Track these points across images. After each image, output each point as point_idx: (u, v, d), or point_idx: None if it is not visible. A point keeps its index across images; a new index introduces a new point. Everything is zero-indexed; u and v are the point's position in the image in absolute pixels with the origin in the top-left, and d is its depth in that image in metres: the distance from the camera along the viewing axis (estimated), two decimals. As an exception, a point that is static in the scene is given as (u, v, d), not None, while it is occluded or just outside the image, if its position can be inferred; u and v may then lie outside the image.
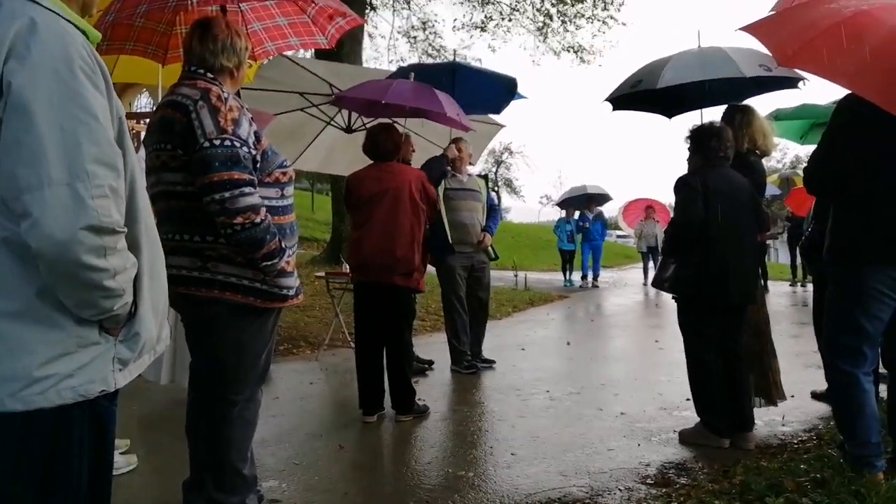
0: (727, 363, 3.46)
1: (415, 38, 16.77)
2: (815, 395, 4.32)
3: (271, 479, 2.96)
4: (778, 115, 5.25)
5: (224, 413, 2.27)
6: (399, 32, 16.95)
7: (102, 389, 1.28)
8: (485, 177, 6.06)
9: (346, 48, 9.81)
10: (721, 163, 3.48)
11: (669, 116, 4.53)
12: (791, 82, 3.91)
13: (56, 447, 1.25)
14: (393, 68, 11.74)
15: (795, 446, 3.45)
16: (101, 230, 1.18)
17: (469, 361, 5.28)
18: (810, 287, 6.46)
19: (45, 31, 1.18)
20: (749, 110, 3.78)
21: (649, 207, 14.68)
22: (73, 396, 1.24)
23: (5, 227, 1.18)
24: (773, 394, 3.71)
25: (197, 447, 2.42)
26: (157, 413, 4.07)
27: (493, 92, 5.35)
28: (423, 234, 4.01)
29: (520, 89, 5.33)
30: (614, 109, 4.54)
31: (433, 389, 4.80)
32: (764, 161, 3.94)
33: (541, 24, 15.80)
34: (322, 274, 6.89)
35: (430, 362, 5.47)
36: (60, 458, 1.26)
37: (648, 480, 2.99)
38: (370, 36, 16.53)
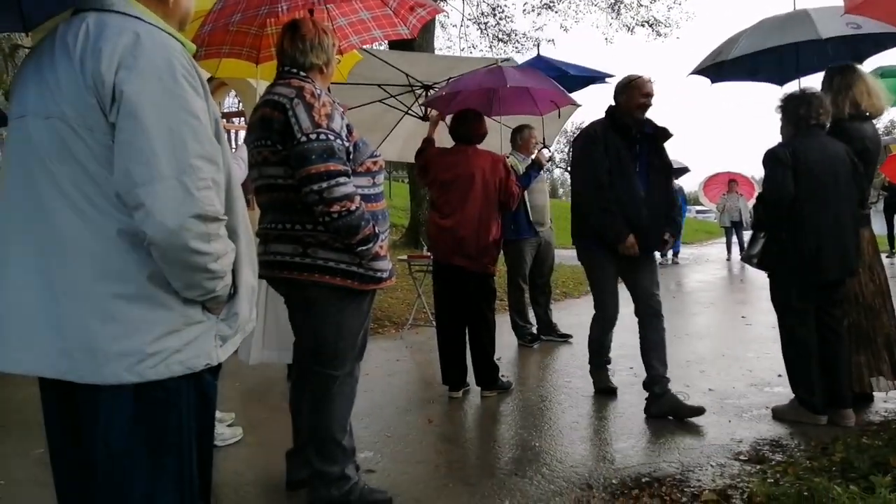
0: (823, 339, 3.35)
1: (486, 23, 16.66)
2: None
3: (366, 450, 3.12)
4: (883, 73, 4.88)
5: (326, 388, 2.43)
6: (469, 20, 16.89)
7: (206, 363, 1.42)
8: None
9: (420, 38, 9.90)
10: (814, 131, 3.33)
11: (781, 83, 4.36)
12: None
13: (166, 415, 1.39)
14: (466, 56, 11.73)
15: (899, 424, 3.31)
16: (206, 218, 1.32)
17: (532, 335, 5.53)
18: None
19: (148, 44, 1.31)
20: (848, 70, 3.52)
21: (732, 181, 14.08)
22: (180, 370, 1.37)
23: (120, 219, 1.32)
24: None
25: (300, 420, 2.60)
26: (257, 389, 4.35)
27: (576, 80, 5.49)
28: (496, 219, 4.02)
29: (595, 68, 5.42)
30: (713, 83, 4.46)
31: (516, 366, 4.89)
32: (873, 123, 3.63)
33: (612, 1, 15.34)
34: (404, 257, 7.08)
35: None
36: (171, 425, 1.40)
37: (742, 457, 2.95)
38: (442, 25, 16.59)
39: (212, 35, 2.94)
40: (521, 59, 8.86)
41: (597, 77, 5.68)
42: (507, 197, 4.05)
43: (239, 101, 8.42)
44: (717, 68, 4.17)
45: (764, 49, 3.84)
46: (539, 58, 5.52)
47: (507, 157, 5.17)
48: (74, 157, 1.32)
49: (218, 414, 3.35)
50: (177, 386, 1.39)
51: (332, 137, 2.21)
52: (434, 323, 4.66)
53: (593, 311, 3.97)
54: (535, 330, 5.60)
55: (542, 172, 5.26)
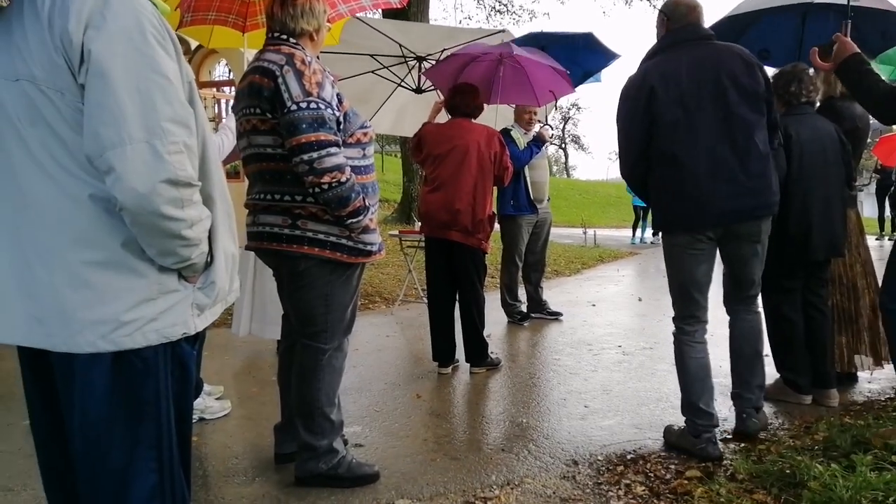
0: (809, 318, 3.37)
1: (483, -7, 16.44)
2: None
3: (354, 424, 3.14)
4: (881, 60, 4.84)
5: (314, 361, 2.42)
6: (465, -10, 16.64)
7: (184, 332, 1.40)
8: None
9: (413, 8, 9.75)
10: (804, 109, 3.31)
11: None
12: None
13: (143, 384, 1.37)
14: (461, 27, 11.58)
15: (883, 404, 3.35)
16: (177, 183, 1.28)
17: (522, 313, 5.53)
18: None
19: (117, 3, 1.27)
20: None
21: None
22: (157, 338, 1.35)
23: (91, 184, 1.29)
24: (880, 352, 3.54)
25: (288, 393, 2.61)
26: (246, 363, 4.35)
27: (580, 64, 5.40)
28: (491, 194, 4.00)
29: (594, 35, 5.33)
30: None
31: (505, 343, 4.91)
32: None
33: (610, -29, 15.16)
34: (395, 233, 7.06)
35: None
36: (148, 394, 1.38)
37: (726, 435, 2.98)
38: (438, -5, 16.31)
39: (198, 1, 2.86)
40: (517, 32, 8.73)
41: (607, 55, 5.54)
42: (501, 171, 4.02)
43: (229, 70, 8.30)
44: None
45: (769, 11, 3.76)
46: (541, 33, 5.43)
47: (511, 130, 5.16)
48: (45, 120, 1.28)
49: (207, 387, 3.36)
50: (154, 355, 1.37)
51: (322, 106, 2.17)
52: (424, 299, 4.66)
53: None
54: (524, 308, 5.61)
55: (542, 148, 5.24)
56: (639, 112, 2.69)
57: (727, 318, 3.03)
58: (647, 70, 2.72)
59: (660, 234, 11.08)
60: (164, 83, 1.29)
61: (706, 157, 2.64)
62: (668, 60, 2.71)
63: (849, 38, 2.61)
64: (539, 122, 5.32)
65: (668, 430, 2.97)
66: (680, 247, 2.76)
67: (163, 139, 1.26)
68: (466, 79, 4.67)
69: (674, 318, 2.88)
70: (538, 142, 5.12)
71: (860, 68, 2.57)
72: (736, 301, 2.94)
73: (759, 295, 2.99)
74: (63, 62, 1.26)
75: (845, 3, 3.04)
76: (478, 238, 3.96)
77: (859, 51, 2.57)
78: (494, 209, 4.24)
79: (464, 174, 3.88)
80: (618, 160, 2.92)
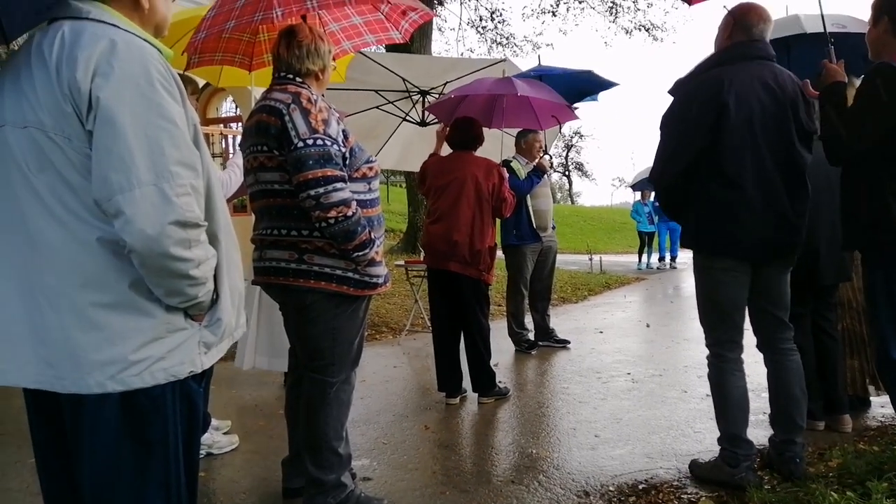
0: (819, 343, 3.34)
1: (484, 27, 16.74)
2: None
3: (363, 457, 3.12)
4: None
5: (322, 395, 2.41)
6: (467, 24, 17.00)
7: (191, 371, 1.41)
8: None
9: (416, 43, 9.94)
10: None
11: None
12: None
13: (152, 423, 1.38)
14: (462, 58, 11.77)
15: (897, 429, 3.31)
16: (185, 224, 1.31)
17: (529, 341, 5.51)
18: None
19: (124, 50, 1.31)
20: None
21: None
22: (165, 377, 1.37)
23: (99, 227, 1.32)
24: None
25: (296, 427, 2.60)
26: (253, 397, 4.34)
27: (579, 90, 5.48)
28: (491, 225, 4.00)
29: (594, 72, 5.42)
30: None
31: (513, 372, 4.88)
32: None
33: (610, 4, 15.46)
34: (401, 263, 7.08)
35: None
36: (157, 433, 1.39)
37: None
38: (440, 29, 16.68)
39: (205, 42, 2.94)
40: (519, 62, 8.86)
41: (604, 85, 5.65)
42: (499, 202, 4.04)
43: (236, 107, 8.44)
44: None
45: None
46: (540, 67, 5.52)
47: (511, 161, 5.21)
48: (53, 165, 1.32)
49: (214, 422, 3.35)
50: (162, 393, 1.38)
51: (328, 143, 2.21)
52: (431, 329, 4.66)
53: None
54: (531, 336, 5.59)
55: (544, 177, 5.28)
56: (704, 125, 2.56)
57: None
58: (721, 82, 2.55)
59: (667, 258, 10.87)
60: (170, 128, 1.32)
61: (764, 186, 2.57)
62: (740, 75, 2.57)
63: (835, 65, 2.61)
64: (541, 148, 5.37)
65: (696, 465, 2.85)
66: (722, 270, 2.66)
67: (171, 182, 1.30)
68: (468, 107, 4.73)
69: (709, 345, 2.77)
70: (538, 172, 5.16)
71: (831, 100, 2.50)
72: (776, 339, 2.76)
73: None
74: (71, 109, 1.29)
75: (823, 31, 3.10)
76: (478, 269, 3.96)
77: (844, 79, 2.56)
78: (497, 240, 4.26)
79: (462, 206, 3.92)
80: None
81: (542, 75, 5.28)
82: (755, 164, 2.56)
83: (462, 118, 4.29)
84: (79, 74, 1.28)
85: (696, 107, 2.59)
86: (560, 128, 5.51)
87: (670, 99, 2.75)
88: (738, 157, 2.56)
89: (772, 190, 2.59)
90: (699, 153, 2.60)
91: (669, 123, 2.70)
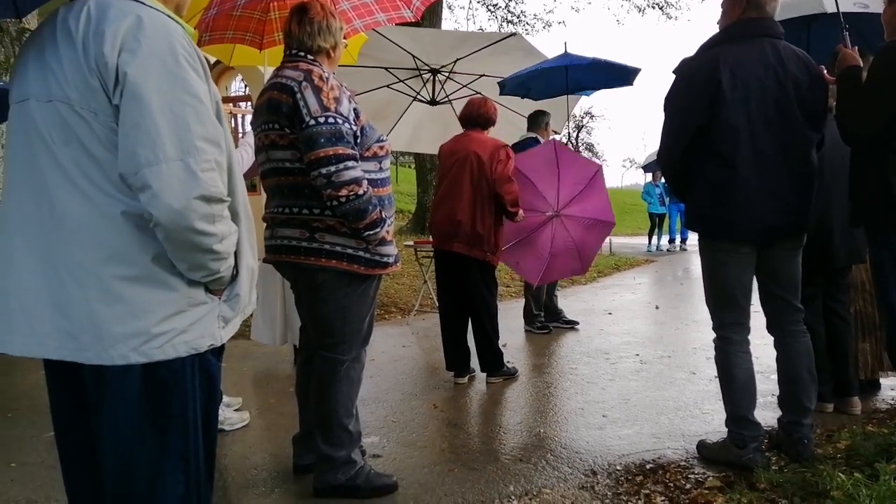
0: (830, 325, 3.33)
1: (495, 5, 16.54)
2: None
3: (372, 435, 3.15)
4: None
5: (332, 372, 2.44)
6: (478, 2, 16.80)
7: (211, 344, 1.43)
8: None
9: (426, 21, 9.84)
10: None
11: None
12: None
13: (172, 395, 1.40)
14: (471, 32, 11.65)
15: (906, 411, 3.31)
16: (210, 199, 1.32)
17: (542, 322, 5.51)
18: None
19: (150, 26, 1.31)
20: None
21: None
22: (186, 350, 1.39)
23: (124, 201, 1.32)
24: None
25: (306, 405, 2.62)
26: (264, 374, 4.38)
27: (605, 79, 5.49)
28: (492, 205, 3.90)
29: (603, 53, 5.35)
30: None
31: (522, 352, 4.90)
32: None
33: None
34: (410, 243, 7.09)
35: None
36: (177, 405, 1.41)
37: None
38: (449, 7, 16.48)
39: (216, 19, 2.92)
40: (530, 39, 8.73)
41: (629, 72, 5.57)
42: (499, 184, 3.86)
43: (245, 86, 8.42)
44: None
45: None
46: (567, 55, 5.45)
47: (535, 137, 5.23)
48: (78, 139, 1.33)
49: (225, 398, 3.39)
50: (182, 366, 1.40)
51: (340, 121, 2.21)
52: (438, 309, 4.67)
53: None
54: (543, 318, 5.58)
55: None
56: (700, 104, 2.54)
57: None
58: (717, 60, 2.52)
59: (678, 240, 10.81)
60: (196, 104, 1.33)
61: (761, 167, 2.52)
62: (738, 53, 2.53)
63: (850, 48, 2.58)
64: (555, 132, 5.37)
65: (703, 445, 2.87)
66: (724, 252, 2.65)
67: (196, 157, 1.31)
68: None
69: (716, 328, 2.76)
70: None
71: (846, 83, 2.50)
72: (786, 321, 2.74)
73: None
74: (98, 84, 1.30)
75: (847, 12, 3.03)
76: (482, 250, 3.92)
77: (858, 63, 2.53)
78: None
79: (462, 185, 3.89)
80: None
81: (568, 66, 5.18)
82: (751, 145, 2.52)
83: (475, 97, 4.26)
84: (106, 49, 1.28)
85: (693, 86, 2.58)
86: (568, 103, 5.45)
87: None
88: (732, 137, 2.53)
89: (770, 171, 2.54)
90: (698, 132, 2.58)
91: (671, 103, 2.69)
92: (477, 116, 4.06)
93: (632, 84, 5.51)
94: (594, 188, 4.71)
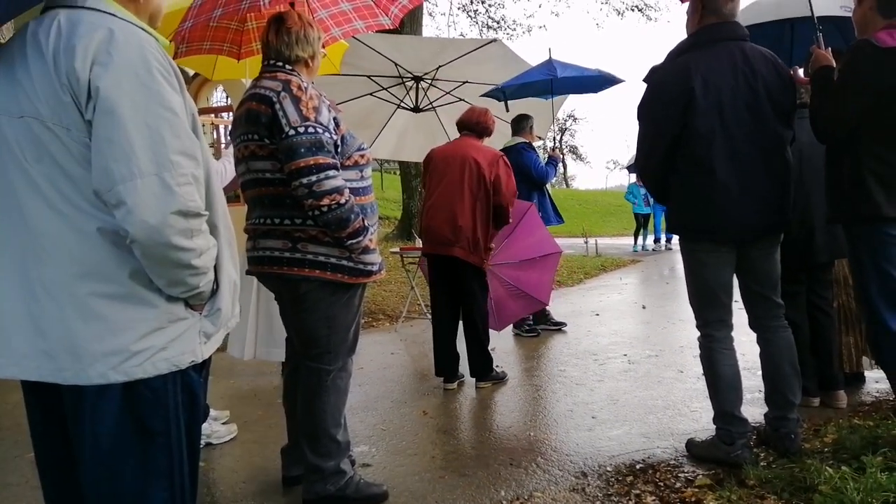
0: (814, 320, 3.36)
1: (475, 11, 16.61)
2: None
3: (361, 444, 3.13)
4: None
5: (319, 382, 2.42)
6: (458, 8, 16.89)
7: (192, 360, 1.41)
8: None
9: (407, 28, 9.85)
10: (801, 112, 3.32)
11: None
12: None
13: (153, 413, 1.38)
14: (452, 39, 11.69)
15: (892, 403, 3.33)
16: (187, 214, 1.30)
17: (530, 325, 5.53)
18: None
19: (122, 39, 1.29)
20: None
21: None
22: (166, 367, 1.37)
23: (99, 217, 1.30)
24: None
25: (294, 416, 2.60)
26: (251, 387, 4.34)
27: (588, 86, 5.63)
28: (489, 211, 3.95)
29: (584, 56, 5.43)
30: None
31: (511, 356, 4.90)
32: None
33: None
34: (396, 250, 7.07)
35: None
36: (159, 423, 1.39)
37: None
38: (430, 14, 16.55)
39: (192, 31, 2.91)
40: (512, 44, 8.78)
41: (613, 80, 5.64)
42: (505, 197, 3.92)
43: (227, 96, 8.37)
44: None
45: (758, 24, 3.82)
46: (551, 61, 5.48)
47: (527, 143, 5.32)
48: (51, 155, 1.30)
49: (213, 412, 3.35)
50: (163, 384, 1.38)
51: (320, 131, 2.20)
52: (428, 315, 4.67)
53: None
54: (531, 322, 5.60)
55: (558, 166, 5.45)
56: (675, 113, 2.57)
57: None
58: (688, 68, 2.56)
59: (663, 239, 10.95)
60: (171, 117, 1.31)
61: (739, 169, 2.55)
62: (706, 60, 2.57)
63: (823, 50, 2.63)
64: (539, 137, 5.44)
65: (692, 444, 2.88)
66: (704, 252, 2.69)
67: (172, 172, 1.29)
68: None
69: (699, 326, 2.79)
70: (553, 161, 5.40)
71: (818, 84, 2.56)
72: (766, 317, 2.77)
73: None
74: (70, 99, 1.28)
75: (832, 15, 3.09)
76: (479, 256, 3.96)
77: (831, 64, 2.57)
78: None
79: (463, 191, 3.90)
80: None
81: (553, 77, 5.23)
82: (727, 149, 2.55)
83: (475, 106, 4.32)
84: (77, 64, 1.26)
85: (665, 95, 2.61)
86: (553, 106, 5.51)
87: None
88: (708, 143, 2.56)
89: (748, 173, 2.58)
90: (674, 143, 2.61)
91: (644, 112, 2.72)
92: (476, 124, 4.09)
93: (597, 92, 5.64)
94: (525, 227, 4.83)
